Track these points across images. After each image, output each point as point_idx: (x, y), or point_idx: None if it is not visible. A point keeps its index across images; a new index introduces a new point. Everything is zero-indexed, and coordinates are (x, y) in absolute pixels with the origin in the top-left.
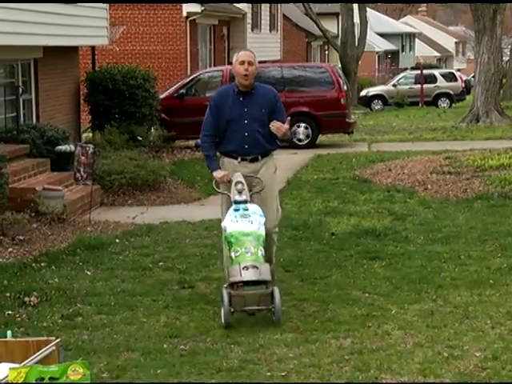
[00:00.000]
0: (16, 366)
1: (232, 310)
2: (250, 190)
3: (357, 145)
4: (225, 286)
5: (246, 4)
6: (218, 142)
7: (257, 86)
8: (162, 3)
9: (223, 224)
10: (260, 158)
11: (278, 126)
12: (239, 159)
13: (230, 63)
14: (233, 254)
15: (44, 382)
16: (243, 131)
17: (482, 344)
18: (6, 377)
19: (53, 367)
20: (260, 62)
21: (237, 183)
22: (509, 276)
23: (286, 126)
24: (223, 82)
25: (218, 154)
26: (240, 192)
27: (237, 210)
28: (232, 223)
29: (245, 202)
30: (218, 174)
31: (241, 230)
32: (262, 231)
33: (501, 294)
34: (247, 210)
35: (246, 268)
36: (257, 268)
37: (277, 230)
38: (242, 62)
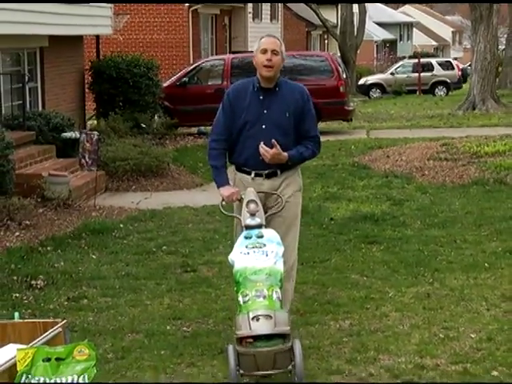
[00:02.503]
0: (23, 346)
1: (241, 372)
2: (265, 211)
3: (355, 132)
4: (234, 335)
5: None
6: (230, 150)
7: (282, 83)
8: (165, 3)
9: (230, 257)
10: (279, 172)
11: (263, 152)
12: (253, 174)
13: (231, 52)
14: (241, 299)
15: (51, 362)
16: (259, 139)
17: (477, 326)
18: (14, 357)
19: (59, 348)
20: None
21: (249, 203)
22: (503, 259)
23: (275, 150)
24: (225, 70)
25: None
26: (253, 214)
27: (248, 238)
28: (241, 256)
29: (259, 226)
30: (224, 190)
31: (252, 267)
32: (280, 266)
33: (496, 277)
34: (261, 236)
35: (257, 318)
36: (271, 318)
37: (296, 265)
38: (265, 51)
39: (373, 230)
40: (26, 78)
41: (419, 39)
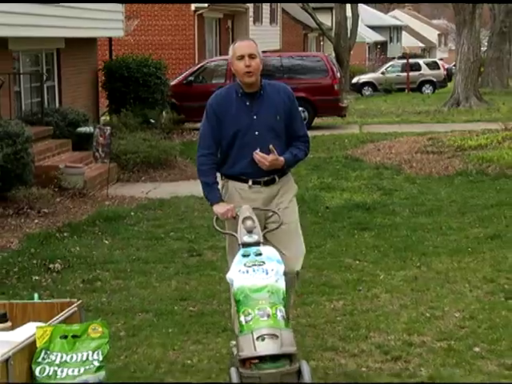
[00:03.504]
0: (42, 324)
1: None
2: (263, 227)
3: (349, 127)
4: (235, 354)
5: None
6: (221, 162)
7: (265, 85)
8: (172, 3)
9: (229, 276)
10: (277, 178)
11: (259, 159)
12: (250, 182)
13: None
14: (242, 319)
15: (67, 339)
16: (254, 146)
17: (461, 305)
18: (34, 334)
19: (75, 326)
20: (261, 52)
21: (245, 219)
22: (485, 244)
23: (273, 156)
24: (227, 69)
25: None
26: (250, 231)
27: (246, 256)
28: (240, 275)
29: (256, 244)
30: (219, 208)
31: (253, 285)
32: (281, 284)
33: (478, 260)
34: (260, 254)
35: (262, 338)
36: (276, 337)
37: (299, 269)
38: (241, 57)
39: (365, 218)
40: (44, 77)
41: (408, 41)
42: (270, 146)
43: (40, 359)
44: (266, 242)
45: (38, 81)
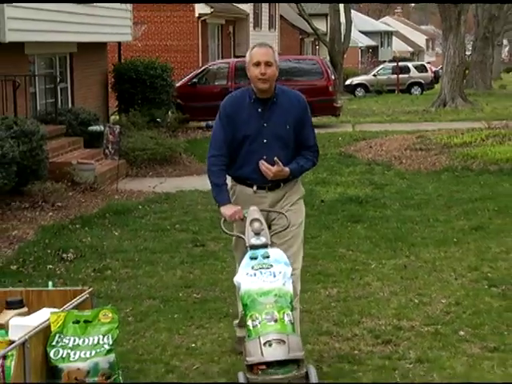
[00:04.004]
0: (56, 310)
1: None
2: (269, 227)
3: (342, 125)
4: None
5: (248, 6)
6: (229, 163)
7: (279, 93)
8: (174, 3)
9: (236, 279)
10: (282, 184)
11: (264, 170)
12: (255, 187)
13: (235, 56)
14: (250, 323)
15: (79, 323)
16: (261, 153)
17: (447, 292)
18: (48, 319)
19: (87, 312)
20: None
21: (253, 221)
22: (470, 235)
23: (277, 168)
24: (229, 72)
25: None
26: (257, 233)
27: (254, 259)
28: (247, 278)
29: (264, 246)
30: (226, 210)
31: (259, 288)
32: (289, 287)
33: (463, 250)
34: (268, 257)
35: (269, 343)
36: (284, 342)
37: (298, 272)
38: (258, 64)
39: (357, 211)
40: (58, 79)
41: (397, 45)
42: (275, 159)
43: (54, 342)
44: (272, 243)
45: (51, 82)
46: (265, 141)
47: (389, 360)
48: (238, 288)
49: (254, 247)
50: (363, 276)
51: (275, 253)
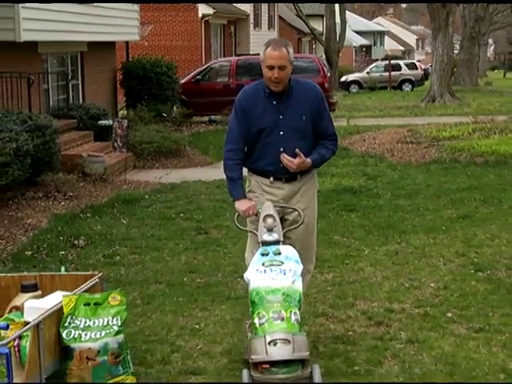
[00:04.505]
0: (68, 293)
1: None
2: (284, 219)
3: (338, 120)
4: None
5: (249, 7)
6: (246, 155)
7: (294, 84)
8: (177, 3)
9: (246, 275)
10: (299, 176)
11: (286, 163)
12: (271, 178)
13: (237, 55)
14: (256, 321)
15: (90, 306)
16: (278, 145)
17: (436, 277)
18: (61, 302)
19: (97, 295)
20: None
21: (266, 217)
22: (457, 223)
23: (299, 159)
24: (231, 69)
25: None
26: (270, 229)
27: (265, 255)
28: (257, 275)
29: (276, 242)
30: (241, 205)
31: (267, 286)
32: (298, 286)
33: (451, 237)
34: (279, 254)
35: (274, 343)
36: (289, 342)
37: (312, 267)
38: (271, 67)
39: (352, 200)
40: (69, 76)
41: (389, 45)
42: (297, 150)
43: (66, 324)
44: (285, 239)
45: (63, 80)
46: (281, 133)
47: (381, 340)
48: (248, 284)
49: (266, 243)
50: (357, 262)
51: (287, 250)
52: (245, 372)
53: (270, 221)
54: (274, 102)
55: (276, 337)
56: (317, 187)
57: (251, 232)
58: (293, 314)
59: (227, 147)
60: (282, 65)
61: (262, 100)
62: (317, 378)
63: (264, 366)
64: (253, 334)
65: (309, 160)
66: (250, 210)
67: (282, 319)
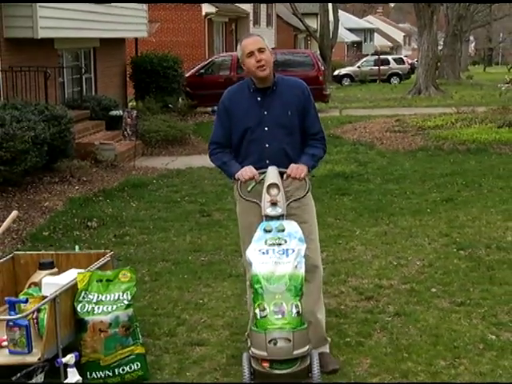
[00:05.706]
0: (82, 271)
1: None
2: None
3: (331, 110)
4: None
5: (249, 6)
6: (234, 155)
7: (279, 80)
8: (181, 3)
9: (247, 254)
10: (286, 176)
11: (290, 173)
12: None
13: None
14: (258, 312)
15: (102, 282)
16: (263, 142)
17: (421, 255)
18: (75, 278)
19: (108, 272)
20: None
21: (270, 187)
22: (441, 206)
23: (303, 167)
24: (232, 64)
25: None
26: (274, 203)
27: (268, 232)
28: (259, 257)
29: (280, 216)
30: (241, 171)
31: (270, 272)
32: (301, 269)
33: (435, 219)
34: (282, 230)
35: (274, 342)
36: (289, 341)
37: (320, 263)
38: (251, 54)
39: (344, 185)
40: (83, 70)
41: (379, 41)
42: (291, 166)
43: (81, 298)
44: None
45: (77, 73)
46: (266, 129)
47: (371, 314)
48: (250, 265)
49: (270, 218)
50: (349, 241)
51: (290, 226)
52: (245, 356)
53: (274, 191)
54: (259, 99)
55: (276, 336)
56: (309, 186)
57: (255, 203)
58: (294, 307)
59: (210, 147)
60: (260, 47)
61: (246, 97)
62: (315, 365)
63: (264, 363)
64: (253, 323)
65: (302, 166)
66: (251, 173)
67: (283, 313)
